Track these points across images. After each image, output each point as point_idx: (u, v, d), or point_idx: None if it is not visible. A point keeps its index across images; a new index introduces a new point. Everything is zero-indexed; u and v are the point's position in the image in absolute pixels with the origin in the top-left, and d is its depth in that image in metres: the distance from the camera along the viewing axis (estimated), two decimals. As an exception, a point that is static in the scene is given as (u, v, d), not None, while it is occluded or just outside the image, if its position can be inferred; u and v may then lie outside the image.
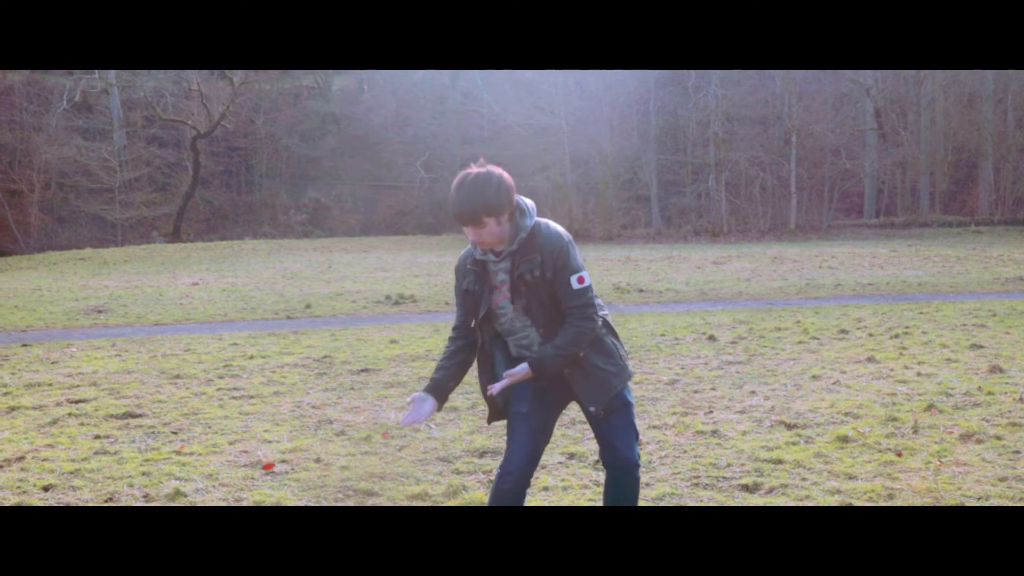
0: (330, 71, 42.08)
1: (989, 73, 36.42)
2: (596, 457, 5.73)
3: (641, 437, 6.18)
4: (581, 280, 3.57)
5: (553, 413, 3.82)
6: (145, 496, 5.19)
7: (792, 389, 7.84)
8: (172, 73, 39.63)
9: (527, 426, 3.73)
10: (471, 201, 3.45)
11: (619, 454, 3.74)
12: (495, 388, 3.59)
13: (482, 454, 5.95)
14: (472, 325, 3.72)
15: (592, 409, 3.68)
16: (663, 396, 7.66)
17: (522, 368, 3.58)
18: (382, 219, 42.48)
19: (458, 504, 5.01)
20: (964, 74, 37.46)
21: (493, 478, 5.13)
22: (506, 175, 3.53)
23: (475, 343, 3.79)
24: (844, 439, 6.10)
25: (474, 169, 3.52)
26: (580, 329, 3.57)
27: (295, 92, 46.01)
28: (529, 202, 3.61)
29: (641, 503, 4.46)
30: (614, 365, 3.71)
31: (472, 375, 3.92)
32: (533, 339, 3.67)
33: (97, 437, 6.51)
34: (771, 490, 5.13)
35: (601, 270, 21.92)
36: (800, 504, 4.91)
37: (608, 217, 38.16)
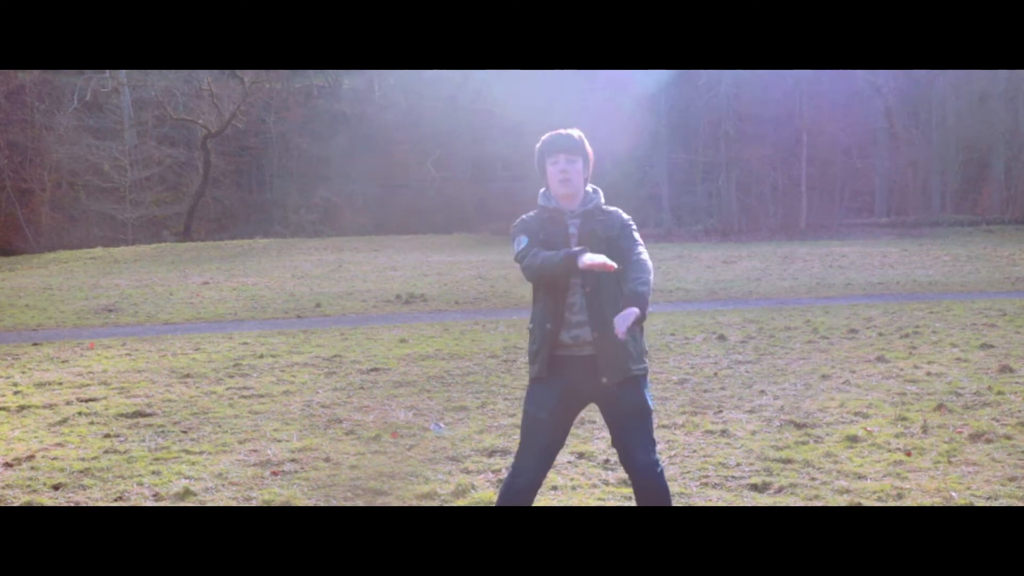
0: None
1: (1001, 72, 36.23)
2: (605, 456, 5.73)
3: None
4: (640, 237, 3.85)
5: (573, 416, 3.85)
6: (155, 495, 5.21)
7: (802, 388, 7.83)
8: (183, 73, 39.65)
9: (545, 431, 3.75)
10: (572, 136, 3.93)
11: (635, 459, 3.73)
12: (622, 332, 3.49)
13: (491, 453, 5.96)
14: None
15: (605, 380, 3.67)
16: (672, 395, 7.66)
17: (632, 312, 3.51)
18: (393, 218, 42.36)
19: (467, 503, 5.01)
20: (976, 73, 37.26)
21: (503, 477, 5.14)
22: None
23: None
24: (853, 438, 6.09)
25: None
26: (646, 264, 3.68)
27: (306, 91, 45.97)
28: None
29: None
30: (635, 347, 3.73)
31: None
32: (578, 300, 3.71)
33: (107, 436, 6.54)
34: (780, 489, 5.12)
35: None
36: (809, 504, 4.90)
37: (618, 216, 38.00)
